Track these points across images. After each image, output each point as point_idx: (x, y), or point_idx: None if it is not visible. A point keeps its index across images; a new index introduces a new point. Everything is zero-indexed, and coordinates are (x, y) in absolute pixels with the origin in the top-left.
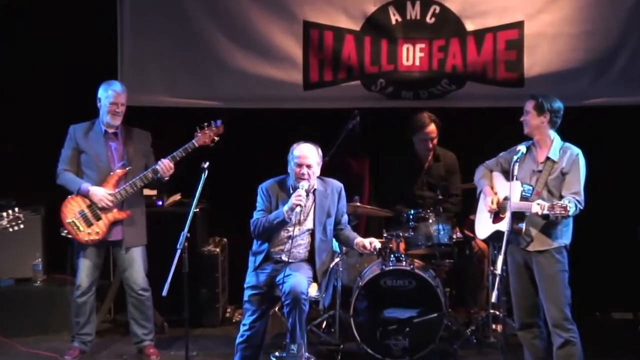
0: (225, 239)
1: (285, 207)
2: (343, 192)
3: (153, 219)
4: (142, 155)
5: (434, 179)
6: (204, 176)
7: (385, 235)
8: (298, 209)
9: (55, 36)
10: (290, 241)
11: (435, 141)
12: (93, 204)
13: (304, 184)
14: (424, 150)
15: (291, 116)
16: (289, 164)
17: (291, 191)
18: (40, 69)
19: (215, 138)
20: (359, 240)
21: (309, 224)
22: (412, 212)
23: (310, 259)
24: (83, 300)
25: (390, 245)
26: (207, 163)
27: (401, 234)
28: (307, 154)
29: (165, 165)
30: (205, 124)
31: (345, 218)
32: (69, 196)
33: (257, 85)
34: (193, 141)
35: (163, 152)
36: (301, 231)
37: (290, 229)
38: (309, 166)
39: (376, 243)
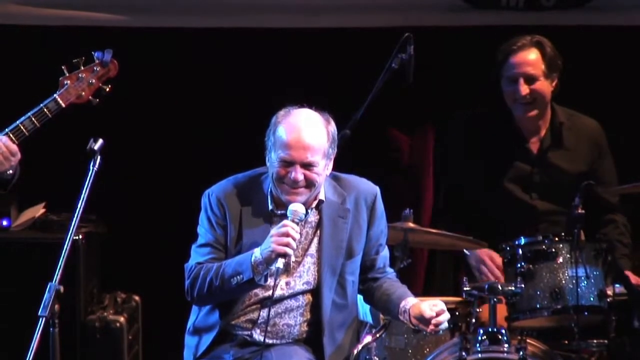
0: (136, 297)
1: (257, 255)
2: (380, 204)
3: None
4: None
5: (552, 178)
6: (93, 167)
7: (466, 289)
8: (280, 263)
9: None
10: (268, 307)
11: (540, 87)
12: None
13: (296, 209)
14: (518, 110)
15: (279, 56)
16: (268, 152)
17: (270, 207)
18: None
19: (102, 86)
20: (410, 304)
21: (308, 274)
22: (523, 241)
23: (313, 339)
24: None
25: (477, 311)
26: (101, 142)
27: (500, 288)
28: (306, 139)
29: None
30: (79, 59)
31: (384, 256)
32: None
33: None
34: (55, 96)
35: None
36: (292, 288)
37: (270, 282)
38: (308, 166)
39: (444, 310)
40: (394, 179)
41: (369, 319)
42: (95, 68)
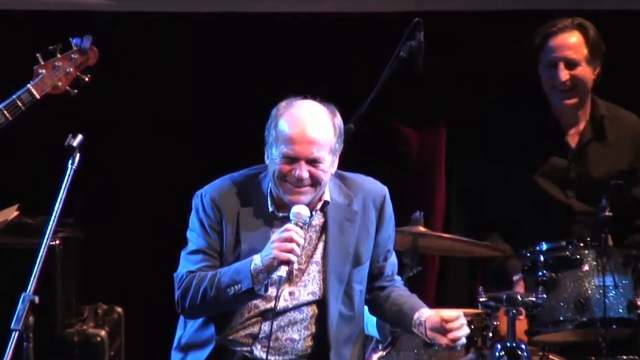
0: (119, 308)
1: (257, 262)
2: (389, 206)
3: None
4: None
5: (591, 175)
6: (72, 165)
7: (483, 300)
8: (283, 272)
9: None
10: (271, 320)
11: (581, 73)
12: None
13: (299, 212)
14: (556, 97)
15: (276, 44)
16: (269, 148)
17: (270, 209)
18: None
19: (81, 76)
20: (426, 315)
21: (313, 283)
22: (545, 247)
23: (318, 355)
24: None
25: (495, 324)
26: (80, 138)
27: (520, 299)
28: (312, 133)
29: None
30: (56, 46)
31: (392, 263)
32: None
33: None
34: (29, 86)
35: None
36: (296, 298)
37: (271, 292)
38: (314, 162)
39: (463, 324)
40: (402, 178)
41: (375, 333)
42: (72, 56)
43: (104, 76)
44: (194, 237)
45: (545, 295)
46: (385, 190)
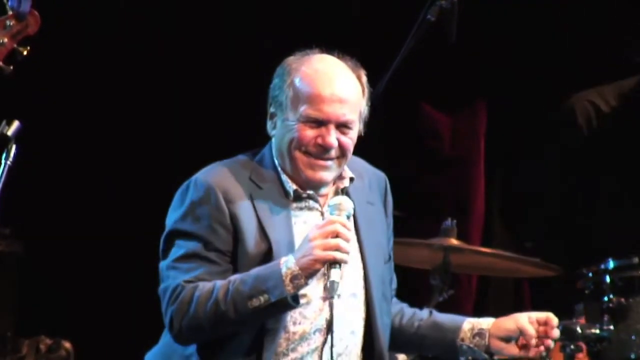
0: (66, 343)
1: (290, 265)
2: (390, 195)
3: None
4: None
5: None
6: (6, 161)
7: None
8: (336, 275)
9: None
10: (330, 347)
11: None
12: None
13: (340, 202)
14: None
15: (269, 6)
16: (280, 113)
17: (292, 187)
18: None
19: (18, 48)
20: (487, 323)
21: (352, 281)
22: (612, 264)
23: None
24: None
25: None
26: (17, 125)
27: (579, 331)
28: (342, 91)
29: None
30: None
31: (393, 267)
32: None
33: None
34: None
35: None
36: (343, 316)
37: (317, 305)
38: (344, 127)
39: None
40: (430, 177)
41: None
42: (7, 22)
43: (48, 49)
44: (182, 241)
45: (612, 327)
46: (384, 175)
